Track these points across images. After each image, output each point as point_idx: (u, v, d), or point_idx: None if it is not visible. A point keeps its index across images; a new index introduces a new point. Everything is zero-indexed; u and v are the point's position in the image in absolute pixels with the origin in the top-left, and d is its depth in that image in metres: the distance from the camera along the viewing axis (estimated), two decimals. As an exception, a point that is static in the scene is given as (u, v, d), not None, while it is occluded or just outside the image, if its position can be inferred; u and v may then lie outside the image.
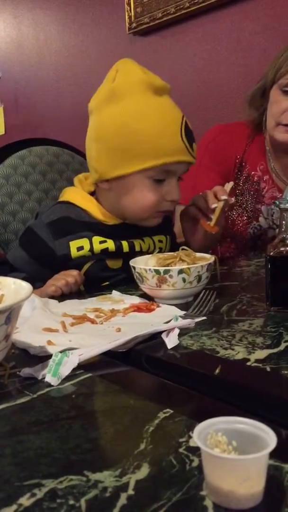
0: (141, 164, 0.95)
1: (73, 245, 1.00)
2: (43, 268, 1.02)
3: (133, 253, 1.02)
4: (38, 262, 1.02)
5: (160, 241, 1.10)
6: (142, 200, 0.99)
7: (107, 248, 1.01)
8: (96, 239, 1.01)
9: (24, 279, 1.04)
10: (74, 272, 0.95)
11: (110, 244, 1.01)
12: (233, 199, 1.05)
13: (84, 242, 1.00)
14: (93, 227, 1.02)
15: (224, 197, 1.00)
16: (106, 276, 1.03)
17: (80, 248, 1.00)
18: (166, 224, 1.11)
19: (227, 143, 1.38)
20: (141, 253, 1.04)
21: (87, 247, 1.00)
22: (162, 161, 0.95)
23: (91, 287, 0.99)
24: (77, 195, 1.07)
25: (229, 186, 1.04)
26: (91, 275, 1.01)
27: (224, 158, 1.38)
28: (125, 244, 1.03)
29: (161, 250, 1.09)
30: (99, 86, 1.03)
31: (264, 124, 1.37)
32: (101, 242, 1.01)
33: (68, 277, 0.94)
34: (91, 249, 1.00)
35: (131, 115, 0.95)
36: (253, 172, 1.39)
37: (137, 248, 1.04)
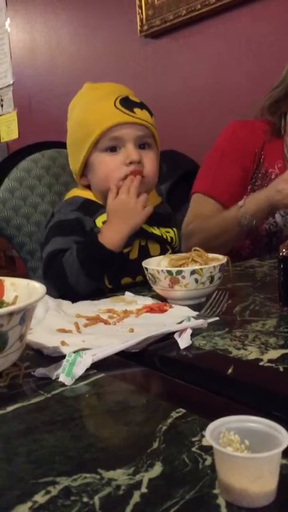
0: (88, 143, 1.03)
1: (99, 220, 1.03)
2: None
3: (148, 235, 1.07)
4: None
5: (167, 231, 1.12)
6: (101, 171, 1.04)
7: None
8: None
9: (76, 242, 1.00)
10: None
11: None
12: None
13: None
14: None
15: None
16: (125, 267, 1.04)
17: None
18: (166, 218, 1.14)
19: (246, 137, 1.38)
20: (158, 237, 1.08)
21: None
22: (99, 130, 1.02)
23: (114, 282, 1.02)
24: (84, 191, 1.11)
25: None
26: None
27: (244, 152, 1.38)
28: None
29: (172, 240, 1.12)
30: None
31: (283, 128, 1.36)
32: None
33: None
34: None
35: (69, 112, 1.11)
36: (270, 170, 1.38)
37: (150, 231, 1.07)
